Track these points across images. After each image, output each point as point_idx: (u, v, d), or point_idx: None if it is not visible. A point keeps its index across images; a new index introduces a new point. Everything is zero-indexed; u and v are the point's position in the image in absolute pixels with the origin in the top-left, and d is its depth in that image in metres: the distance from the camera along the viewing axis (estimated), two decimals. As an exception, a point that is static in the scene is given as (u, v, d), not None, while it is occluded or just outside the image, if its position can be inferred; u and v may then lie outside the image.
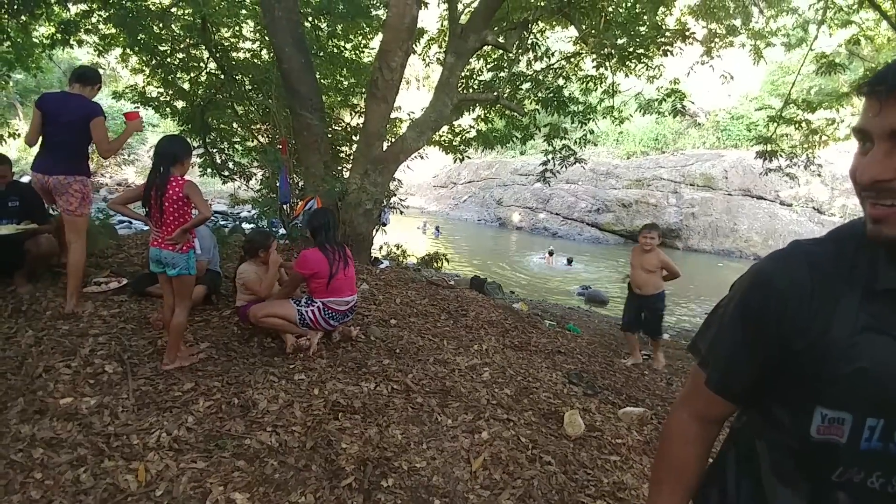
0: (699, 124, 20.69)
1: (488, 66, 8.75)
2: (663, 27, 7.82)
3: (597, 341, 5.56)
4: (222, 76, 8.10)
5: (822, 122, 8.87)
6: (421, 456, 2.52)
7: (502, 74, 8.45)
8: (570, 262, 13.25)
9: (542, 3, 6.74)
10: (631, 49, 7.06)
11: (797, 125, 8.48)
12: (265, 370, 3.03)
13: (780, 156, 8.43)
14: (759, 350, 0.84)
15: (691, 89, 8.51)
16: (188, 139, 8.28)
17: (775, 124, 8.42)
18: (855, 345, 0.75)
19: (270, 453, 2.36)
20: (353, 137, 7.74)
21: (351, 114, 9.00)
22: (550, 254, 13.84)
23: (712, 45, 8.84)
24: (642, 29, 7.36)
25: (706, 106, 19.72)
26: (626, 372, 4.56)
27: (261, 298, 3.45)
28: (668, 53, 7.08)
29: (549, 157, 8.66)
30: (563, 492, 2.45)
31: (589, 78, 8.40)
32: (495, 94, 7.12)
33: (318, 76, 6.61)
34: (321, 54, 8.14)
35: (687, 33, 7.68)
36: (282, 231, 5.98)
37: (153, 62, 8.20)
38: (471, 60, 7.19)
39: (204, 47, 8.07)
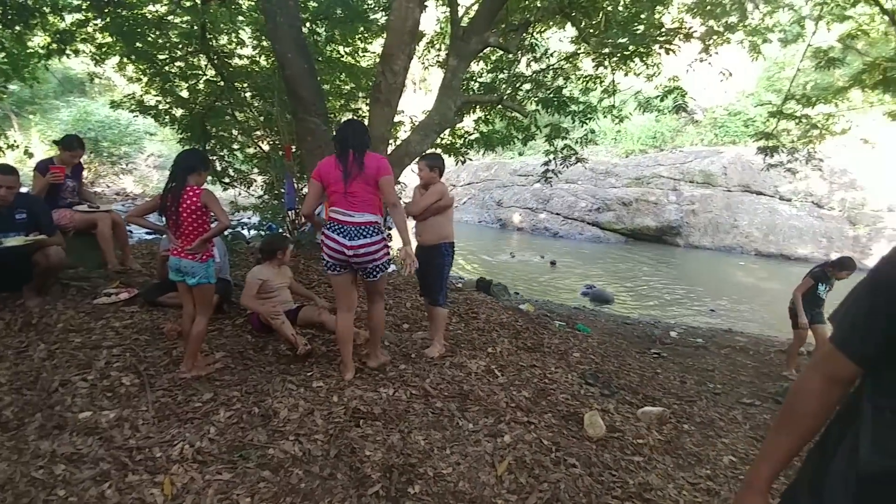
0: (696, 121, 20.72)
1: (488, 68, 8.74)
2: (661, 26, 7.83)
3: (607, 341, 5.55)
4: (221, 83, 8.07)
5: (820, 116, 8.91)
6: (445, 461, 2.49)
7: (502, 76, 8.44)
8: (552, 264, 13.26)
9: (543, 4, 6.73)
10: (632, 48, 7.05)
11: (797, 120, 8.51)
12: (283, 378, 3.00)
13: (782, 151, 8.45)
14: (883, 312, 0.94)
15: (688, 87, 8.51)
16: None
17: (776, 119, 8.44)
18: None
19: (295, 463, 2.33)
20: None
21: (353, 118, 8.97)
22: (542, 257, 13.94)
23: (710, 42, 8.86)
24: (640, 27, 7.37)
25: (703, 103, 19.74)
26: (640, 371, 4.55)
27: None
28: (670, 52, 7.06)
29: (551, 157, 8.65)
30: (591, 494, 2.43)
31: (588, 77, 8.40)
32: (497, 95, 7.11)
33: (319, 81, 6.59)
34: (320, 59, 8.12)
35: (686, 31, 7.69)
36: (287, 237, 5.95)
37: (151, 70, 8.16)
38: (471, 62, 7.18)
39: (202, 55, 8.04)
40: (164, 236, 3.51)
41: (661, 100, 7.95)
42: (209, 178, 8.82)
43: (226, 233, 6.56)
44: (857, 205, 16.16)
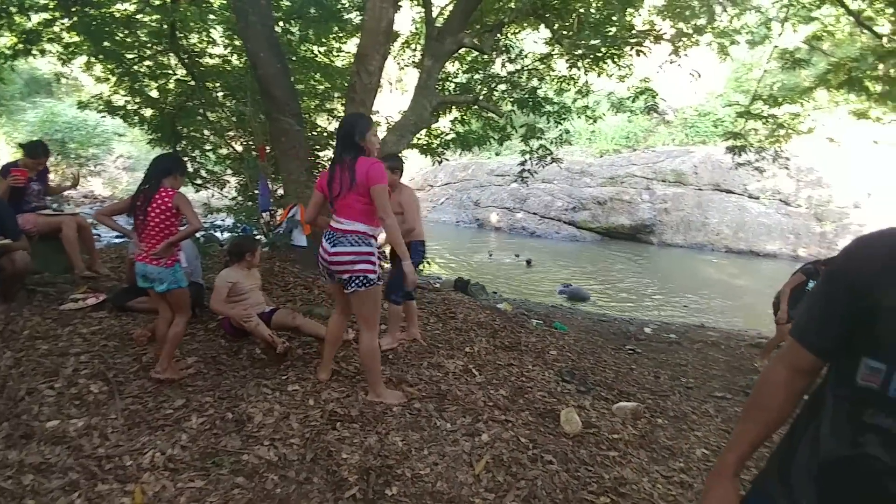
0: (668, 122, 21.11)
1: (464, 69, 8.77)
2: (632, 28, 7.96)
3: (584, 338, 5.62)
4: (192, 83, 7.93)
5: (787, 116, 9.17)
6: (423, 462, 2.50)
7: (478, 76, 8.48)
8: (528, 263, 13.41)
9: (517, 5, 6.78)
10: (604, 49, 7.16)
11: (764, 120, 8.75)
12: (257, 382, 2.97)
13: (750, 150, 8.67)
14: (841, 302, 0.98)
15: (659, 88, 8.67)
16: (159, 148, 8.12)
17: (744, 119, 8.66)
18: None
19: (270, 468, 2.31)
20: (331, 142, 7.65)
21: (328, 119, 8.90)
22: (517, 256, 14.08)
23: (679, 44, 9.04)
24: (612, 29, 7.50)
25: (674, 103, 20.13)
26: (615, 367, 4.61)
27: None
28: (641, 53, 7.19)
29: (527, 157, 8.72)
30: (567, 490, 2.46)
31: (562, 78, 8.49)
32: (473, 95, 7.14)
33: (292, 81, 6.52)
34: (293, 58, 8.03)
35: (656, 33, 7.83)
36: (262, 239, 5.87)
37: (119, 70, 7.97)
38: (446, 63, 7.20)
39: (172, 54, 7.88)
40: (133, 239, 3.44)
41: (633, 100, 8.09)
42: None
43: (198, 235, 6.46)
44: (823, 202, 16.68)
